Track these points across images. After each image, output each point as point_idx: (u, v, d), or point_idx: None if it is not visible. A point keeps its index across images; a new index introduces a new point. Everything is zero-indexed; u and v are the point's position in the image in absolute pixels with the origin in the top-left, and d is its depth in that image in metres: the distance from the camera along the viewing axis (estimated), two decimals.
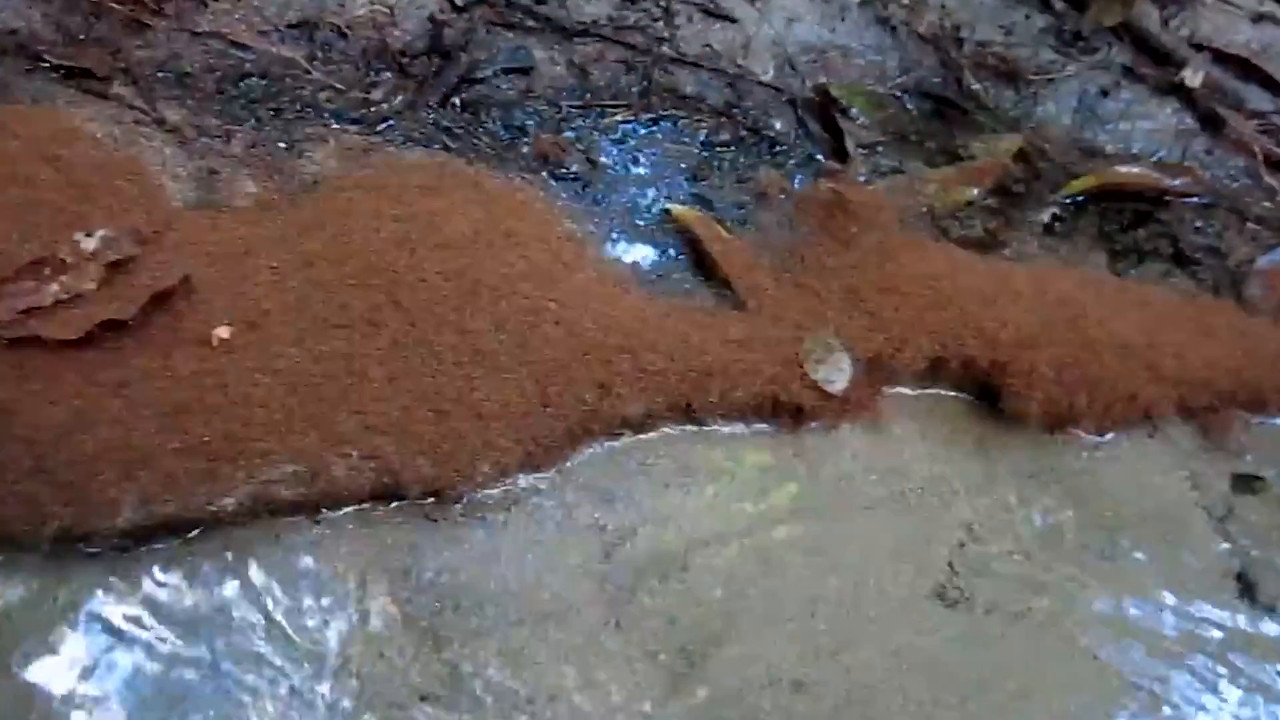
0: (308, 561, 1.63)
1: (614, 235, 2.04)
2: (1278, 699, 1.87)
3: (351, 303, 1.73)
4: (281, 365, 1.65)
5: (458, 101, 2.16)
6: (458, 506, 1.69)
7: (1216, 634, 1.91)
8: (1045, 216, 2.24)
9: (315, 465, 1.60)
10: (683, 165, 2.17)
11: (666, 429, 1.83)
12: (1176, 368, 1.99)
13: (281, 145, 2.02)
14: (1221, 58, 2.53)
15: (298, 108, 2.09)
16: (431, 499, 1.67)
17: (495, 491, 1.72)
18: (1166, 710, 1.81)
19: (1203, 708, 1.82)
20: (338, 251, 1.80)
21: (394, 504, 1.68)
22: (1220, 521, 1.99)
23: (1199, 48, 2.53)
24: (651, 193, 2.11)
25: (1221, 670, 1.87)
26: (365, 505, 1.67)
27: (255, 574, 1.61)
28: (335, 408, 1.63)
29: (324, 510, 1.65)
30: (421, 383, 1.67)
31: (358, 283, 1.76)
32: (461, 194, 1.94)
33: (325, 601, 1.61)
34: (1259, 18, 2.63)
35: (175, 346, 1.66)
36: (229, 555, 1.62)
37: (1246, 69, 2.53)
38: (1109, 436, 2.01)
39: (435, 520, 1.69)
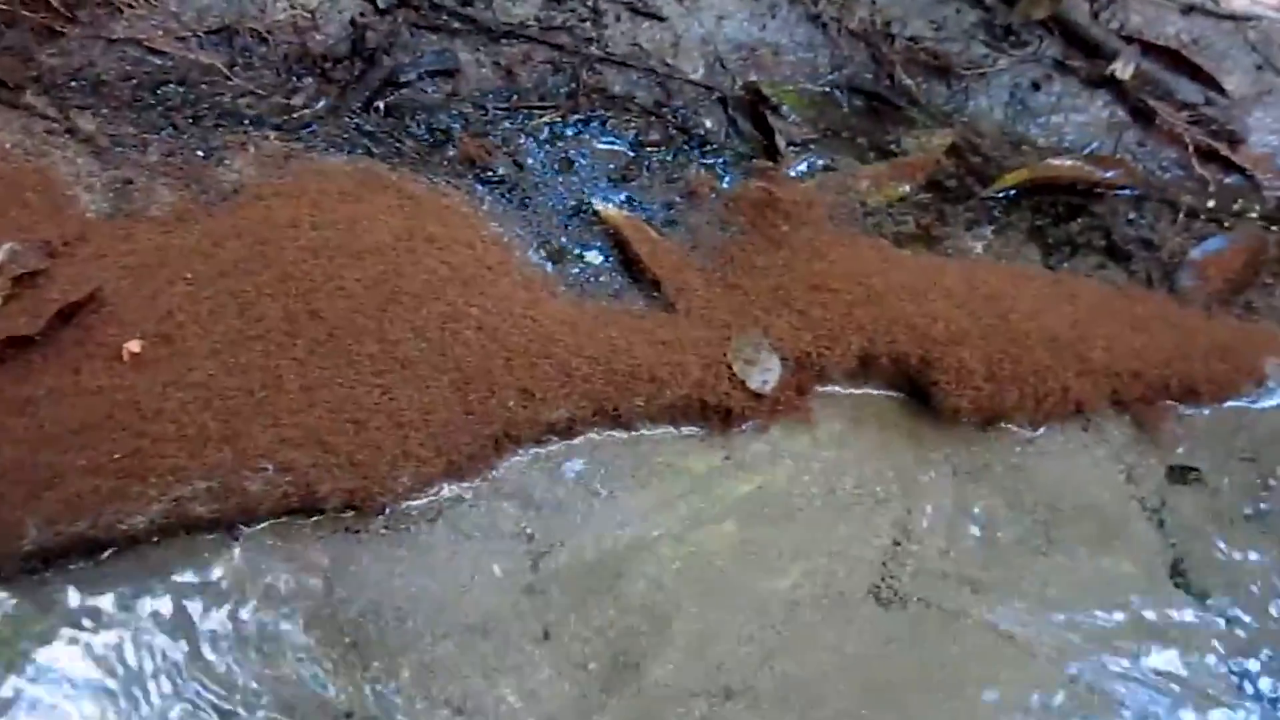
0: (226, 579, 1.60)
1: (541, 238, 2.01)
2: (1214, 689, 1.86)
3: (267, 313, 1.70)
4: (194, 379, 1.62)
5: (381, 105, 2.13)
6: (380, 519, 1.66)
7: (1153, 626, 1.90)
8: (977, 211, 2.24)
9: (229, 481, 1.57)
10: (611, 166, 2.14)
11: (593, 434, 1.81)
12: (1107, 360, 1.99)
13: (200, 153, 1.98)
14: (1152, 50, 2.53)
15: (217, 115, 2.05)
16: (352, 512, 1.64)
17: (418, 502, 1.69)
18: (1104, 704, 1.80)
19: (1140, 701, 1.82)
20: (255, 261, 1.76)
21: (314, 518, 1.64)
22: (1154, 514, 1.99)
23: (1129, 40, 2.53)
24: (580, 194, 2.08)
25: (1158, 662, 1.86)
26: (284, 520, 1.63)
27: (171, 594, 1.58)
28: (250, 421, 1.59)
29: (242, 526, 1.61)
30: (339, 393, 1.64)
31: (274, 292, 1.72)
32: (383, 200, 1.91)
33: (244, 620, 1.58)
34: (1188, 9, 2.64)
35: (84, 361, 1.62)
36: (144, 575, 1.58)
37: (1177, 61, 2.54)
38: (1042, 431, 2.00)
39: (357, 533, 1.65)
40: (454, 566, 1.66)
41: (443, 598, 1.64)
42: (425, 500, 1.69)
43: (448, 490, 1.70)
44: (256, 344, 1.65)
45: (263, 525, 1.62)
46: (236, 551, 1.60)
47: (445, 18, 2.24)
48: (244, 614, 1.57)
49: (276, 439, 1.58)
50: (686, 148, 2.21)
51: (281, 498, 1.58)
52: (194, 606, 1.57)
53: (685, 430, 1.86)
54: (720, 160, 2.21)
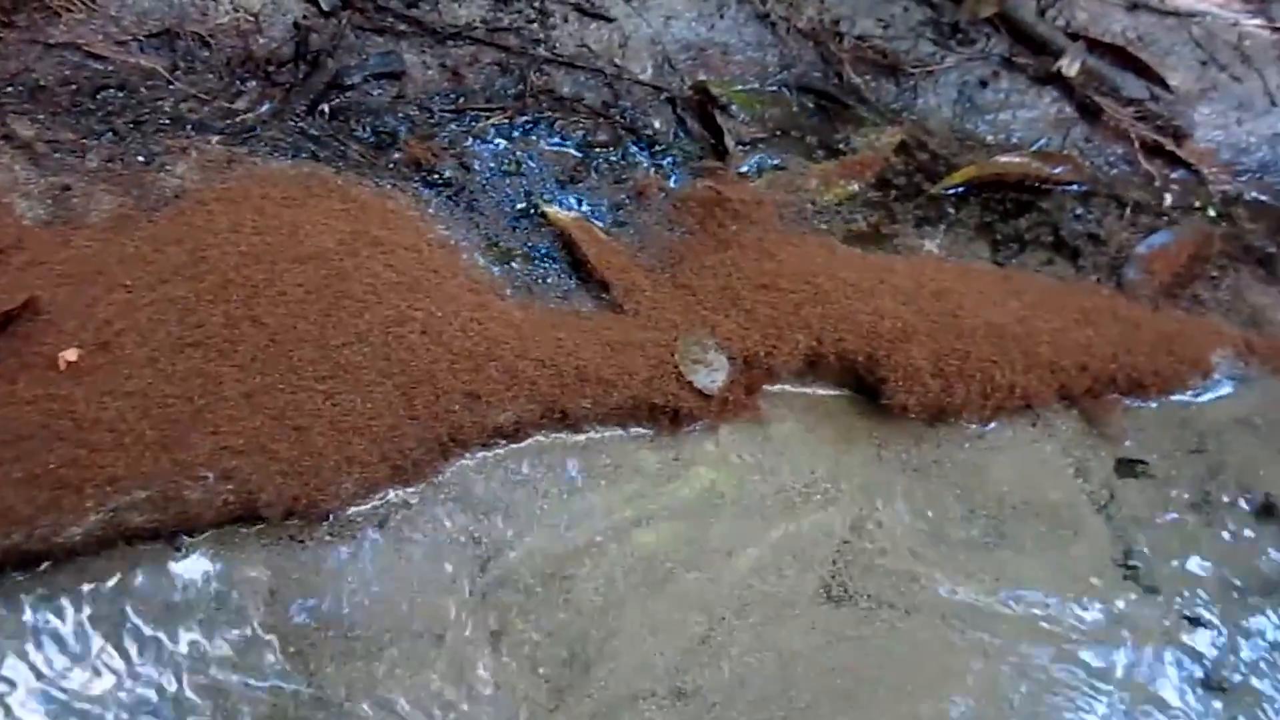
0: (168, 590, 1.58)
1: (488, 241, 2.00)
2: (1165, 680, 1.87)
3: (208, 320, 1.67)
4: (132, 387, 1.59)
5: (326, 109, 2.11)
6: (325, 526, 1.64)
7: (1102, 619, 1.91)
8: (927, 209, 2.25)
9: (169, 490, 1.54)
10: (559, 167, 2.13)
11: (541, 436, 1.80)
12: (1054, 355, 2.00)
13: (141, 159, 1.95)
14: (1098, 46, 2.55)
15: (158, 120, 2.03)
16: (295, 519, 1.61)
17: (363, 508, 1.67)
18: (1055, 698, 1.81)
19: (1091, 693, 1.83)
20: (195, 267, 1.74)
21: (257, 526, 1.62)
22: (1103, 507, 2.00)
23: (1075, 37, 2.55)
24: (527, 196, 2.07)
25: (1110, 655, 1.87)
26: (227, 529, 1.61)
27: (111, 605, 1.55)
28: (189, 429, 1.57)
29: (183, 536, 1.59)
30: (280, 399, 1.62)
31: (215, 299, 1.70)
32: (327, 204, 1.89)
33: (187, 630, 1.55)
34: (1134, 6, 2.66)
35: (20, 371, 1.59)
36: (83, 587, 1.56)
37: (1122, 57, 2.56)
38: (991, 426, 2.01)
39: (301, 541, 1.64)
40: (400, 572, 1.65)
41: (389, 604, 1.62)
42: (370, 506, 1.67)
43: (393, 495, 1.69)
44: (196, 351, 1.63)
45: (205, 535, 1.59)
46: (178, 562, 1.57)
47: (391, 20, 2.23)
48: (186, 625, 1.54)
49: (217, 447, 1.56)
50: (635, 148, 2.20)
51: (222, 506, 1.56)
52: (134, 618, 1.55)
53: (634, 431, 1.85)
54: (669, 160, 2.21)
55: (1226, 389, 2.19)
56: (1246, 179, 2.55)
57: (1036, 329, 2.00)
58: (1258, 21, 2.74)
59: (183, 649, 1.54)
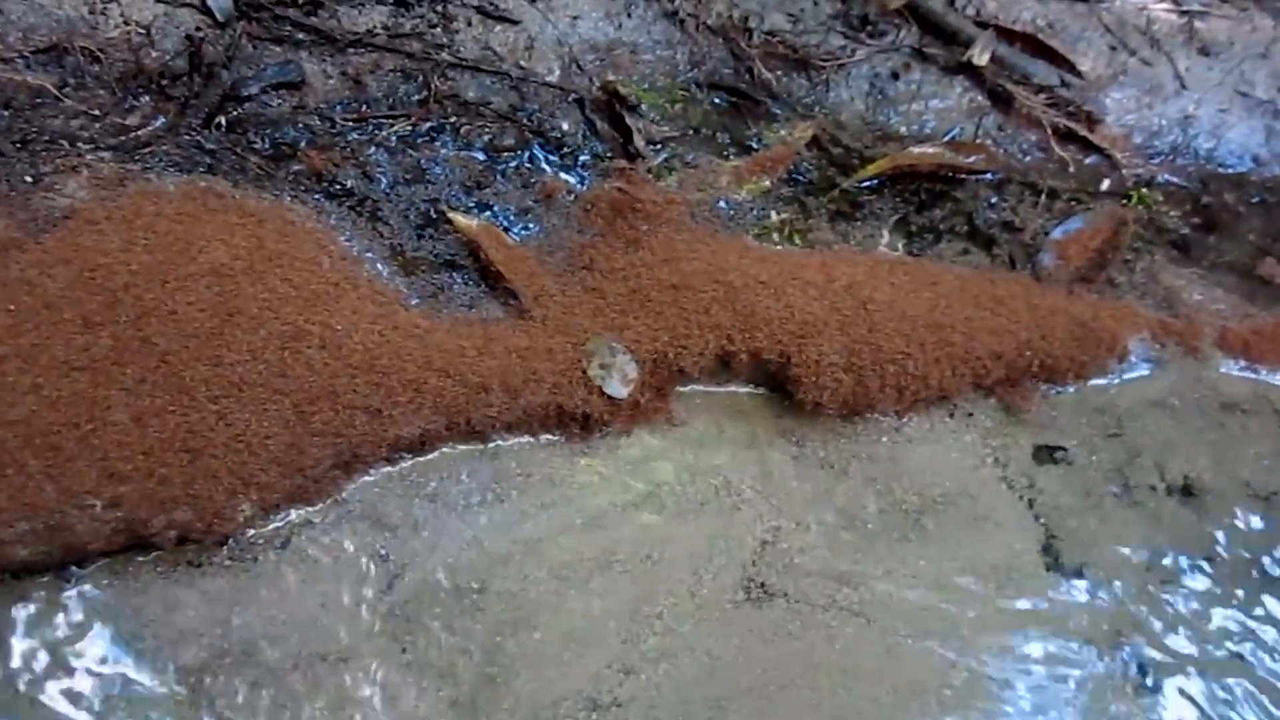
0: (58, 624, 1.52)
1: (393, 250, 1.96)
2: (1091, 666, 1.87)
3: (95, 343, 1.62)
4: (15, 415, 1.54)
5: (222, 121, 2.05)
6: (223, 550, 1.60)
7: (1027, 606, 1.91)
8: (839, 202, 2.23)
9: (53, 521, 1.49)
10: (465, 173, 2.10)
11: (448, 448, 1.76)
12: (967, 344, 1.99)
13: (28, 179, 1.89)
14: (1008, 34, 2.55)
15: (46, 138, 1.96)
16: (191, 545, 1.56)
17: (264, 530, 1.63)
18: (983, 689, 1.80)
19: (1019, 682, 1.82)
20: (83, 289, 1.69)
21: (152, 554, 1.57)
22: (1023, 495, 2.00)
23: (985, 26, 2.54)
24: (433, 203, 2.03)
25: (1035, 644, 1.87)
26: (119, 558, 1.56)
27: None
28: (74, 457, 1.52)
29: (72, 567, 1.53)
30: (170, 422, 1.57)
31: (103, 321, 1.65)
32: (223, 219, 1.85)
33: (79, 665, 1.50)
34: None
35: None
36: None
37: (1033, 44, 2.56)
38: (908, 419, 2.00)
39: (199, 567, 1.59)
40: (304, 594, 1.60)
41: (293, 628, 1.58)
42: (271, 528, 1.63)
43: (295, 515, 1.64)
44: (83, 375, 1.58)
45: (96, 565, 1.54)
46: (68, 594, 1.52)
47: (289, 29, 2.18)
48: (79, 660, 1.49)
49: (104, 474, 1.51)
50: (542, 151, 2.17)
51: (111, 535, 1.51)
52: (23, 654, 1.49)
53: (544, 438, 1.82)
54: (578, 162, 2.18)
55: (1143, 372, 2.20)
56: (1159, 162, 2.56)
57: (950, 319, 1.99)
58: (1166, 5, 2.76)
59: (77, 685, 1.48)
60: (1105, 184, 2.47)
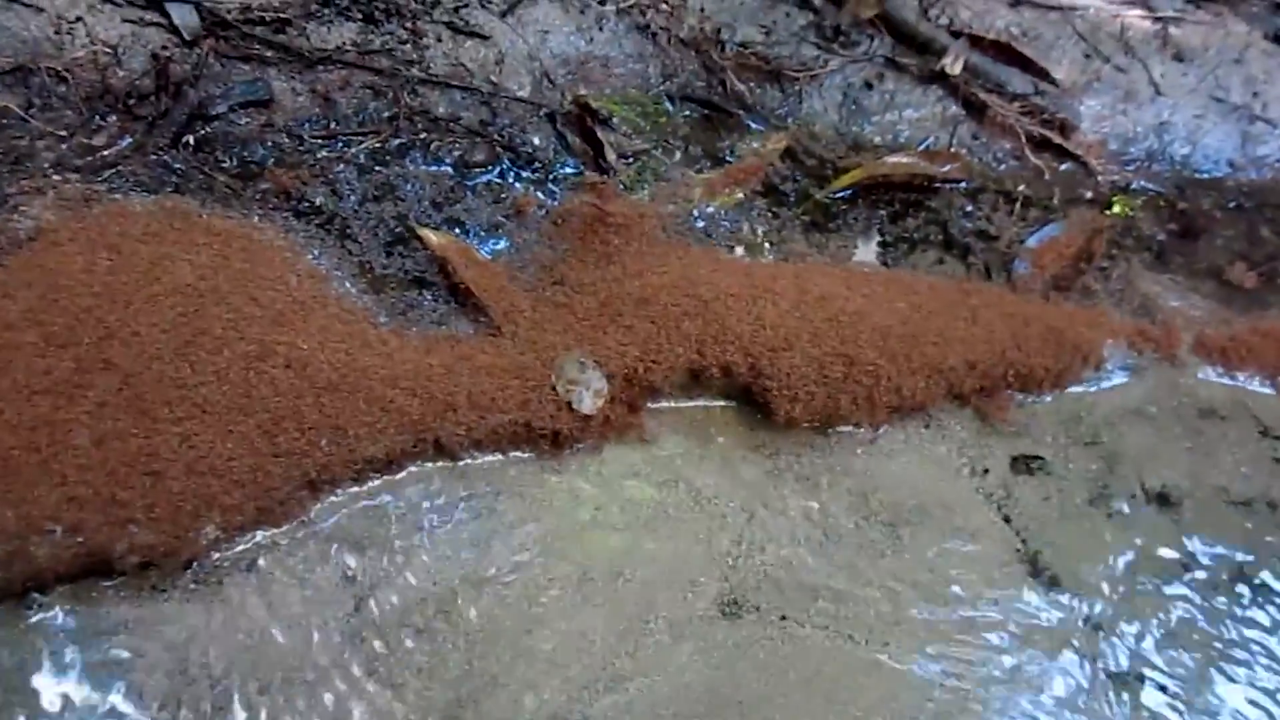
0: (20, 652, 1.50)
1: (362, 268, 1.94)
2: (1069, 677, 1.85)
3: (57, 366, 1.61)
4: None
5: (190, 141, 2.04)
6: (188, 574, 1.58)
7: (1006, 620, 1.89)
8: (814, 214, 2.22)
9: (13, 547, 1.47)
10: (435, 189, 2.09)
11: (415, 467, 1.74)
12: (940, 355, 1.98)
13: None
14: (981, 43, 2.55)
15: (12, 159, 1.95)
16: (154, 568, 1.55)
17: (229, 553, 1.61)
18: (960, 703, 1.78)
19: (997, 696, 1.80)
20: (45, 311, 1.67)
21: (116, 579, 1.55)
22: (1000, 506, 1.98)
23: (958, 34, 2.54)
24: (402, 220, 2.02)
25: (1013, 655, 1.85)
26: (83, 583, 1.54)
27: None
28: (34, 482, 1.50)
29: (34, 594, 1.51)
30: (133, 445, 1.55)
31: (65, 343, 1.63)
32: (189, 238, 1.83)
33: (41, 696, 1.48)
34: (1017, 2, 2.67)
35: None
36: None
37: (1006, 53, 2.56)
38: (883, 430, 1.99)
39: (163, 591, 1.57)
40: (271, 617, 1.59)
41: (259, 651, 1.56)
42: (236, 550, 1.61)
43: (261, 537, 1.63)
44: (44, 399, 1.56)
45: (58, 591, 1.52)
46: (30, 621, 1.50)
47: (257, 46, 2.17)
48: (42, 689, 1.47)
49: (64, 498, 1.49)
50: (513, 167, 2.16)
51: (73, 561, 1.49)
52: None
53: (514, 456, 1.81)
54: (549, 177, 2.17)
55: (1120, 379, 2.19)
56: (1134, 168, 2.56)
57: (923, 329, 1.98)
58: (1140, 12, 2.76)
59: (39, 714, 1.46)
60: (1081, 191, 2.46)
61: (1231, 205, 2.53)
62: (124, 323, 1.65)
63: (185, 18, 2.13)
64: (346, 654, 1.60)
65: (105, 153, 2.00)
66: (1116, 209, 2.41)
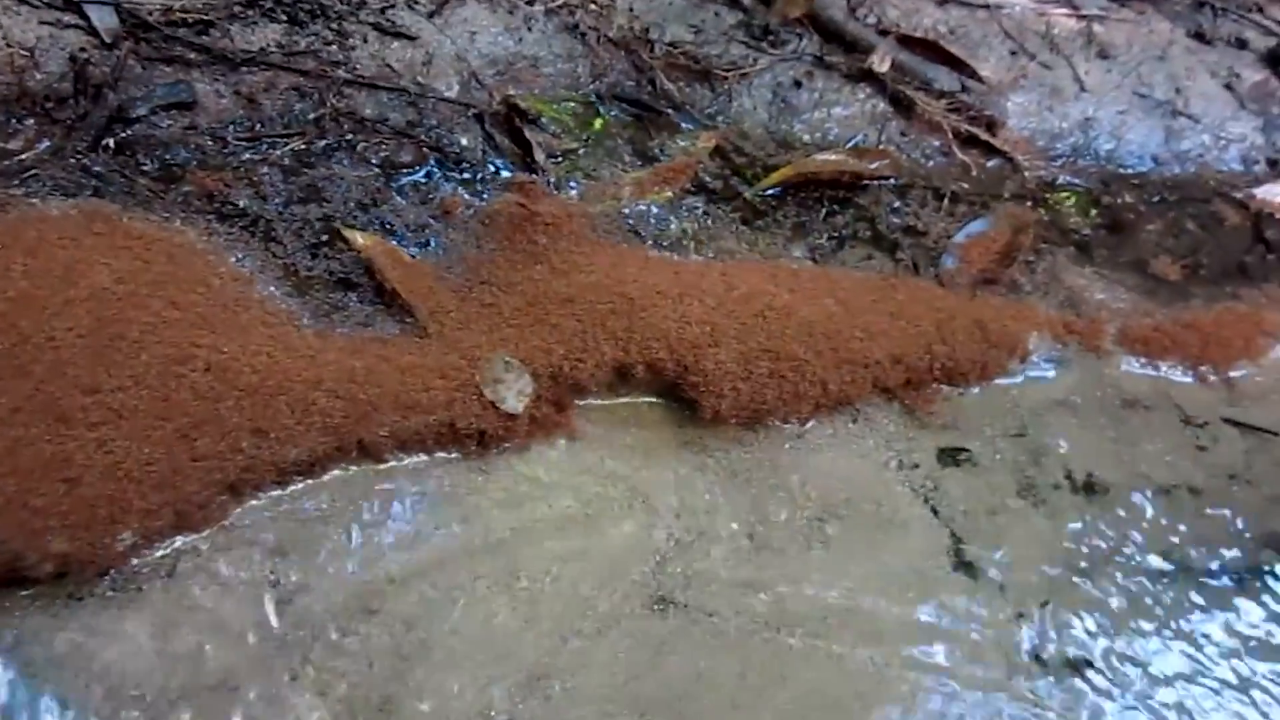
0: None
1: (286, 270, 1.93)
2: (1000, 670, 1.87)
3: None
4: None
5: (110, 144, 2.02)
6: (104, 581, 1.55)
7: (935, 610, 1.91)
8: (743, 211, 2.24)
9: None
10: (362, 190, 2.07)
11: (339, 469, 1.73)
12: (865, 349, 1.99)
13: None
14: (909, 41, 2.58)
15: None
16: (70, 577, 1.52)
17: (148, 559, 1.59)
18: (892, 698, 1.79)
19: (928, 690, 1.82)
20: None
21: (28, 589, 1.52)
22: (928, 499, 2.00)
23: (886, 33, 2.57)
24: (328, 221, 2.01)
25: (943, 649, 1.87)
26: None
27: None
28: None
29: None
30: (46, 451, 1.53)
31: None
32: (107, 242, 1.81)
33: None
34: (944, 1, 2.70)
35: None
36: None
37: (934, 51, 2.59)
38: (810, 425, 2.00)
39: (80, 600, 1.54)
40: (191, 624, 1.57)
41: (180, 658, 1.54)
42: (155, 556, 1.59)
43: (180, 543, 1.61)
44: None
45: None
46: None
47: (179, 48, 2.15)
48: None
49: None
50: (441, 167, 2.16)
51: None
52: None
53: (440, 456, 1.80)
54: (477, 177, 2.16)
55: (1046, 371, 2.22)
56: (1060, 164, 2.59)
57: (848, 324, 1.99)
58: (1065, 10, 2.80)
59: None
60: (1008, 187, 2.50)
61: (1155, 199, 2.58)
62: (38, 328, 1.63)
63: (105, 19, 2.10)
64: (269, 659, 1.58)
65: (22, 156, 1.97)
66: (1045, 204, 2.45)
